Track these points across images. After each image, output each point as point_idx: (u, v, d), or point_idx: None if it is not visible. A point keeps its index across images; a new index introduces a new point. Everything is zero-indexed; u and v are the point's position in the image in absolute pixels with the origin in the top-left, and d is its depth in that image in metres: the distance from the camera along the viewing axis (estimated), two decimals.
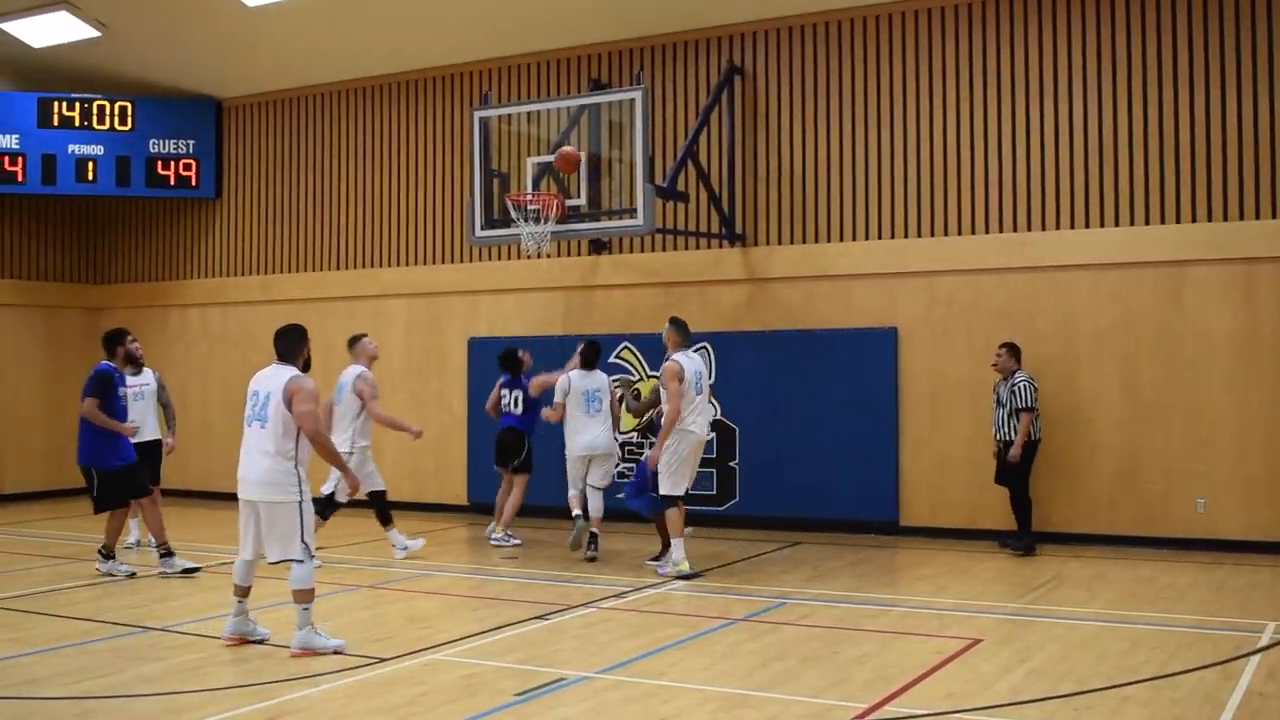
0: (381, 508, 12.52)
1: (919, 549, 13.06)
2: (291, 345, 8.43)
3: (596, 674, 7.61)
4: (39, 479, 18.89)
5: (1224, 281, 12.62)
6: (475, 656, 8.14)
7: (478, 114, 13.90)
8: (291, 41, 16.85)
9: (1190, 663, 7.81)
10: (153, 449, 12.45)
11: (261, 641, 8.48)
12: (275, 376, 8.27)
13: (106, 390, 11.13)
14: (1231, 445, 12.54)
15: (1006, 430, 12.44)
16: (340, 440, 12.08)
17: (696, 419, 11.39)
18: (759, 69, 14.87)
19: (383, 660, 8.02)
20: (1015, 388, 12.36)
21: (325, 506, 11.93)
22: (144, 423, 12.33)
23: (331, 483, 11.96)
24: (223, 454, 18.09)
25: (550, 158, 13.61)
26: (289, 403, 8.09)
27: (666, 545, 11.58)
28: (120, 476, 11.22)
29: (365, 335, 12.83)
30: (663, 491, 11.31)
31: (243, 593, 8.46)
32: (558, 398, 12.74)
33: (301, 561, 8.18)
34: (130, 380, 12.05)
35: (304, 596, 8.20)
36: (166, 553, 11.42)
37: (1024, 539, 12.42)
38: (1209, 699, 6.96)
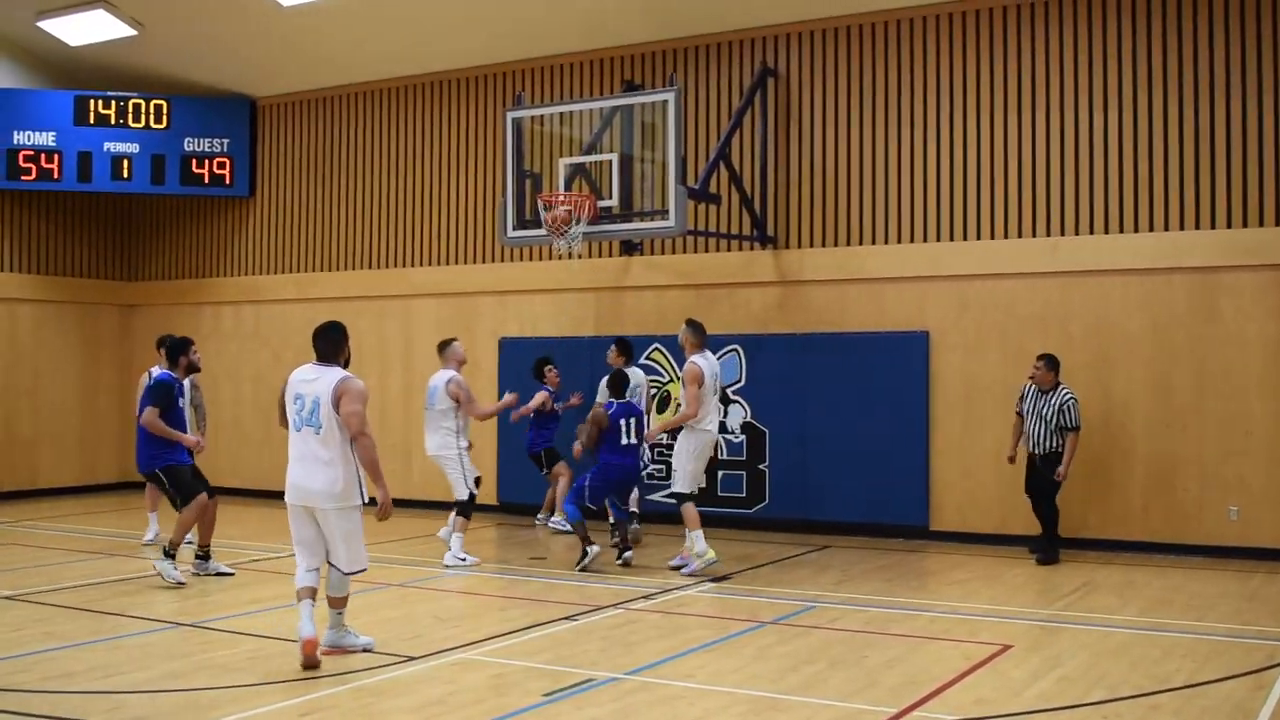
0: (461, 511, 12.52)
1: (949, 553, 13.01)
2: (332, 344, 8.09)
3: (624, 675, 7.62)
4: (73, 474, 19.05)
5: (1257, 287, 12.52)
6: (504, 656, 8.16)
7: (511, 115, 13.94)
8: (325, 41, 16.93)
9: (1222, 672, 7.76)
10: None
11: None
12: (321, 378, 7.91)
13: (169, 401, 11.06)
14: (1266, 453, 12.44)
15: (1047, 444, 12.28)
16: (437, 444, 12.31)
17: (711, 420, 11.75)
18: (792, 71, 14.85)
19: (412, 659, 8.04)
20: (1064, 407, 12.17)
21: (468, 506, 12.29)
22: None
23: (463, 484, 12.27)
24: (253, 451, 18.24)
25: (585, 159, 13.66)
26: (337, 403, 7.80)
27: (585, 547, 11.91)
28: (187, 472, 11.21)
29: (456, 340, 12.94)
30: (677, 489, 11.68)
31: (311, 594, 7.96)
32: (602, 396, 13.15)
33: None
34: None
35: (342, 602, 8.17)
36: (203, 555, 11.41)
37: (1050, 548, 12.31)
38: (1240, 708, 6.92)
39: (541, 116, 14.26)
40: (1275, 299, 12.45)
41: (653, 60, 15.66)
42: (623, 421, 11.80)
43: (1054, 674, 7.69)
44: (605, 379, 12.70)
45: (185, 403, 11.92)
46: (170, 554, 10.90)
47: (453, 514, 12.43)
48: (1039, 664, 7.98)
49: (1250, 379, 12.52)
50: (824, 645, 8.54)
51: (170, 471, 11.09)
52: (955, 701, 7.03)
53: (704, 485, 12.39)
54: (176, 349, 11.46)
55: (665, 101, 13.01)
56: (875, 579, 11.38)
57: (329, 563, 8.07)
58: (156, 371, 11.68)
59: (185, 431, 11.36)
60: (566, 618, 9.44)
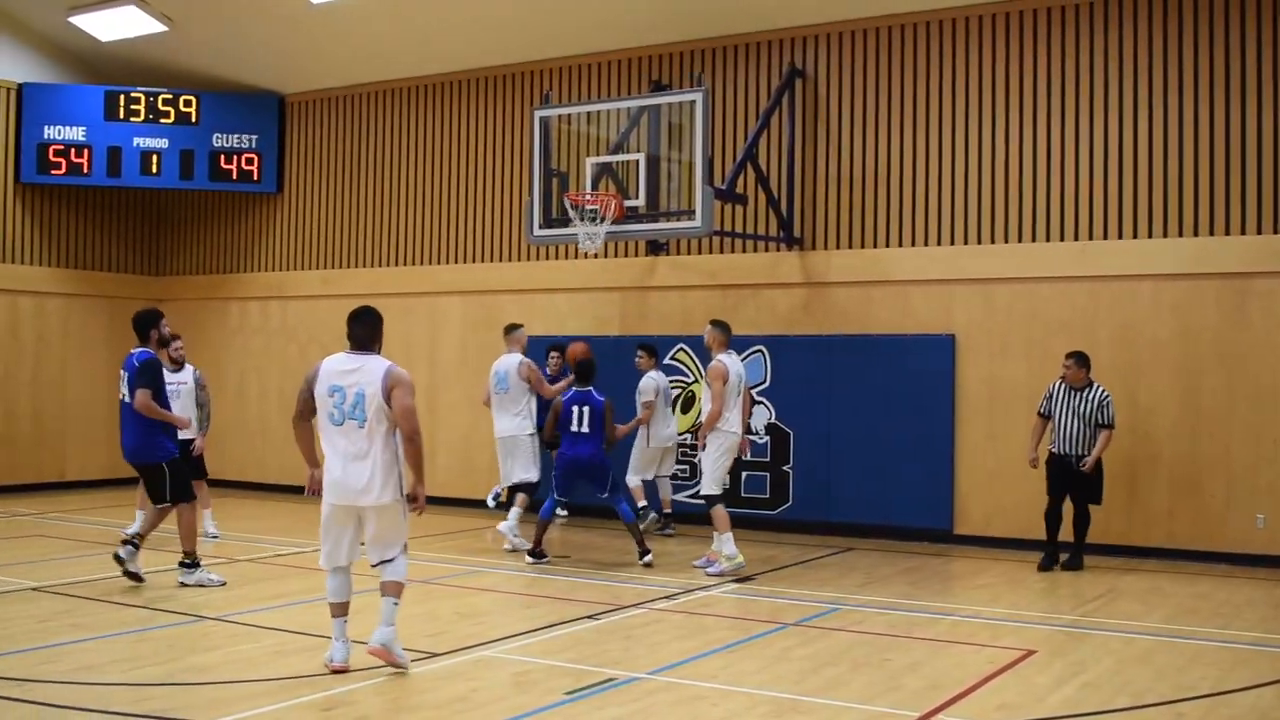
0: (525, 491, 12.94)
1: (972, 558, 12.97)
2: (370, 328, 7.68)
3: (647, 675, 7.62)
4: (100, 467, 19.12)
5: None
6: (526, 654, 8.17)
7: (538, 113, 13.96)
8: (353, 39, 16.99)
9: (1247, 681, 7.70)
10: (184, 449, 11.54)
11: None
12: (364, 367, 7.54)
13: (157, 380, 10.43)
14: None
15: (1081, 445, 12.12)
16: (512, 425, 12.87)
17: (735, 420, 11.74)
18: (819, 72, 14.82)
19: (434, 655, 8.07)
20: (1104, 403, 12.04)
21: (533, 488, 12.97)
22: None
23: (532, 464, 12.90)
24: (277, 446, 18.30)
25: (611, 158, 13.69)
26: (389, 397, 7.45)
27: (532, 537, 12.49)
28: (181, 462, 10.72)
29: (521, 325, 13.47)
30: (704, 491, 11.73)
31: (344, 610, 7.73)
32: (649, 397, 13.63)
33: (401, 554, 7.77)
34: (169, 377, 11.52)
35: (398, 589, 7.76)
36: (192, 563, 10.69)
37: (1076, 554, 12.22)
38: (1265, 717, 6.87)
39: (569, 116, 14.28)
40: None
41: (680, 60, 15.65)
42: (575, 409, 12.01)
43: (1078, 680, 7.65)
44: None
45: (181, 396, 11.74)
46: (194, 563, 10.56)
47: (514, 506, 12.79)
48: (1063, 670, 7.94)
49: (1279, 386, 12.42)
50: (847, 647, 8.52)
51: (175, 465, 10.49)
52: (979, 706, 7.01)
53: (728, 485, 12.39)
54: (145, 322, 10.67)
55: (693, 101, 13.00)
56: (898, 582, 11.35)
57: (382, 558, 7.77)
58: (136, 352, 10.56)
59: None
60: (589, 616, 9.45)
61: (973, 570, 12.28)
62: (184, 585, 10.48)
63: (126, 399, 10.44)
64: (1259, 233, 12.61)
